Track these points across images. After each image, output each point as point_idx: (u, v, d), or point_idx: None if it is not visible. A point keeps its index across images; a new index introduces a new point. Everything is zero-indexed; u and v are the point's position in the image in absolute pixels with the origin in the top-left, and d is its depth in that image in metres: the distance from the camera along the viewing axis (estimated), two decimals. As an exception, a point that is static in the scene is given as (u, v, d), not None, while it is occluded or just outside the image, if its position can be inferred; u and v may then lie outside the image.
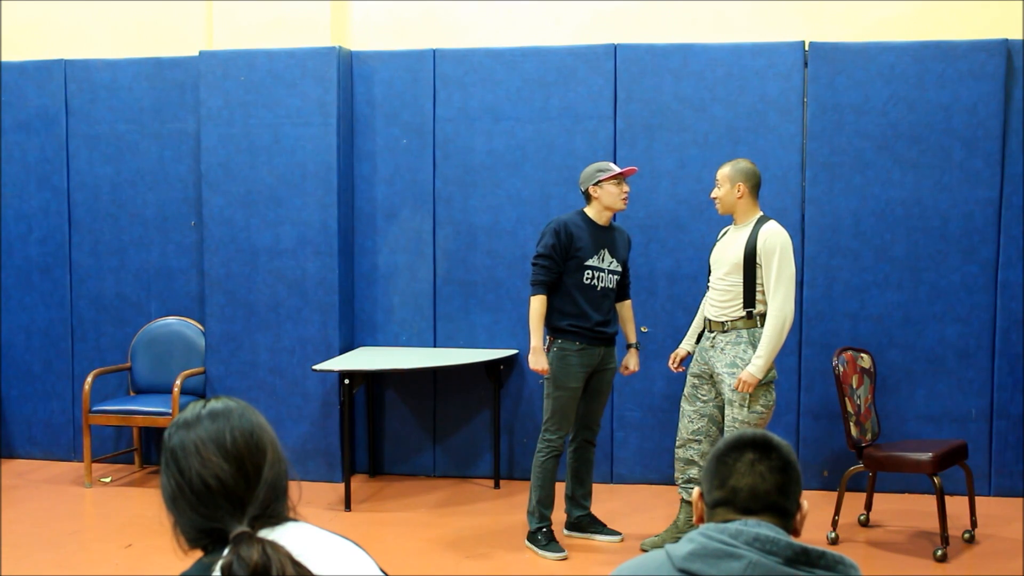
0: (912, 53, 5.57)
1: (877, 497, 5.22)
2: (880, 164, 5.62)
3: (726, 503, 1.76)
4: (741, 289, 4.50)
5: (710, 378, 4.63)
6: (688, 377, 4.73)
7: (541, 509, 4.76)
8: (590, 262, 4.71)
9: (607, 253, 4.76)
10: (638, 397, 5.83)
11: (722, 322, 4.56)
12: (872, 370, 5.10)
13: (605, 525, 4.97)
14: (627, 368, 4.96)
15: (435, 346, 6.04)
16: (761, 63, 5.66)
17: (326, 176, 5.86)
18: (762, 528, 1.70)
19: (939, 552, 4.59)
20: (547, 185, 5.87)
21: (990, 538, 4.92)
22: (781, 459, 1.77)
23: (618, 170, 4.75)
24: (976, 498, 5.00)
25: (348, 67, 5.97)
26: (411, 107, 5.98)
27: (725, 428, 4.54)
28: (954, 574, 4.48)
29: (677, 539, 4.50)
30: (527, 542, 4.79)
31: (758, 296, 4.50)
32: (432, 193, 5.99)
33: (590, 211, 4.78)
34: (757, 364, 4.39)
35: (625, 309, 4.98)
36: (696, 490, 1.85)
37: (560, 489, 4.97)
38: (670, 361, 4.92)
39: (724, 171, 4.63)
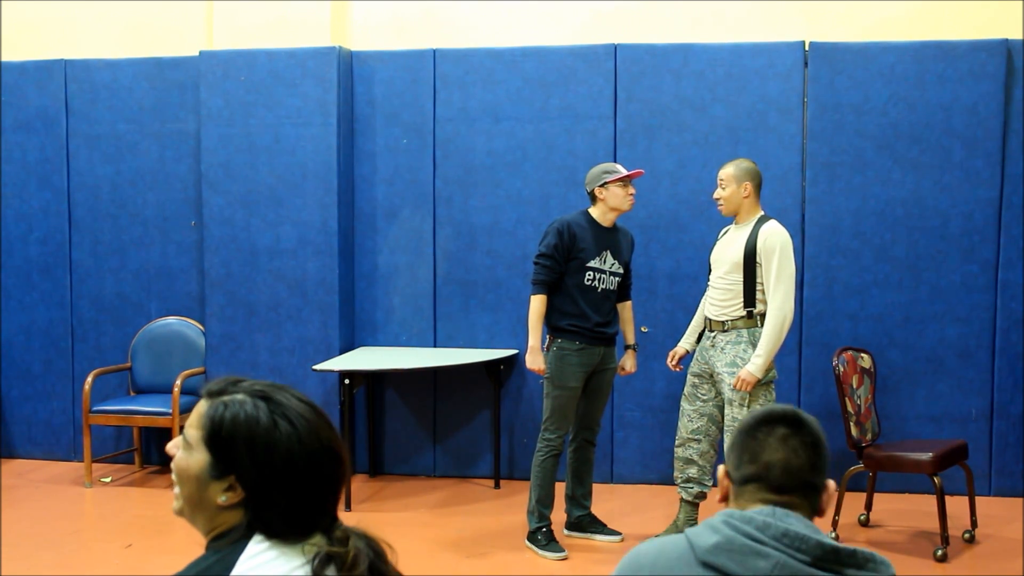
0: (912, 53, 5.56)
1: (877, 497, 5.21)
2: (880, 164, 5.61)
3: (758, 479, 1.70)
4: (741, 288, 4.50)
5: (710, 377, 4.63)
6: (688, 376, 4.73)
7: (540, 508, 4.76)
8: (592, 263, 4.70)
9: (609, 255, 4.75)
10: (638, 397, 5.83)
11: (722, 321, 4.56)
12: (872, 370, 5.10)
13: (605, 525, 4.97)
14: (623, 369, 4.95)
15: (435, 346, 6.03)
16: (761, 63, 5.66)
17: (326, 176, 5.86)
18: (791, 521, 1.64)
19: (939, 552, 4.59)
20: (547, 185, 5.87)
21: (990, 538, 4.92)
22: (812, 435, 1.71)
23: (625, 172, 4.74)
24: (976, 498, 4.99)
25: (348, 67, 5.97)
26: (411, 107, 5.98)
27: (725, 428, 4.54)
28: (954, 574, 4.48)
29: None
30: (527, 542, 4.79)
31: (758, 295, 4.50)
32: (432, 193, 5.99)
33: (595, 212, 4.77)
34: (756, 363, 4.39)
35: (626, 310, 4.97)
36: (721, 468, 1.78)
37: (560, 489, 4.96)
38: (668, 359, 4.92)
39: (728, 171, 4.62)
